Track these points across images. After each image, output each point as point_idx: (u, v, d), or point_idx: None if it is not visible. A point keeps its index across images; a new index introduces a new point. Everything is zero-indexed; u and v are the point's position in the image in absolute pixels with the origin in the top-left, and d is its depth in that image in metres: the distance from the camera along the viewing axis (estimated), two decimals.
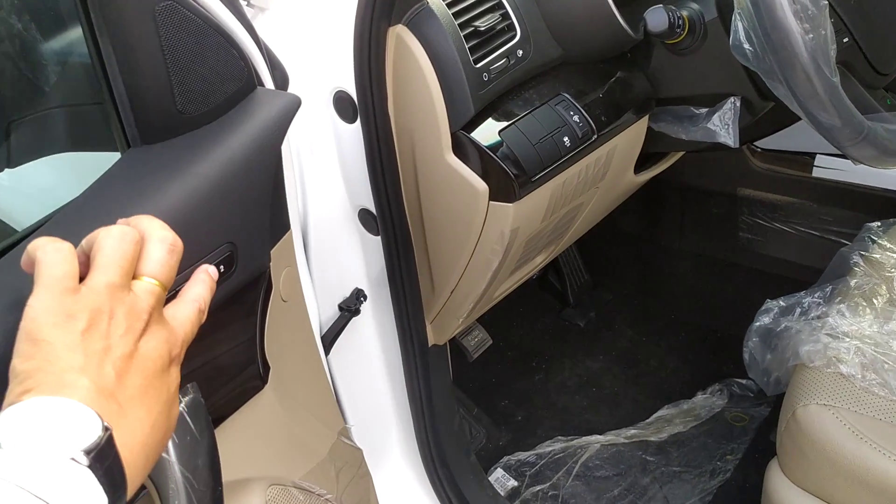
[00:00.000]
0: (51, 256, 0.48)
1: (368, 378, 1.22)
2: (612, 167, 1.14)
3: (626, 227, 1.96)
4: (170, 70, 0.61)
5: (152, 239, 0.52)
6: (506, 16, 0.99)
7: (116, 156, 0.64)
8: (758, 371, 1.23)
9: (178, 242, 0.53)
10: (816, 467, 1.03)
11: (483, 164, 0.96)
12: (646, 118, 1.14)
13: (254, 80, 0.69)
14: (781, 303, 1.25)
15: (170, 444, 0.55)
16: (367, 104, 0.95)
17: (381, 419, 1.27)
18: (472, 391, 1.75)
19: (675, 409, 1.66)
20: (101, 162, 0.64)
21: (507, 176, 0.95)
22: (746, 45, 0.89)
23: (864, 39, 0.97)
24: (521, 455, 1.60)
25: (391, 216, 1.04)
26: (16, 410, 0.43)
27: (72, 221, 0.58)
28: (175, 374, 0.52)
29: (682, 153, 1.42)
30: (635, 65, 1.12)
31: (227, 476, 0.69)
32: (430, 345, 1.23)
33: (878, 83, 1.00)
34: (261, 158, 0.66)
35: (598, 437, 1.62)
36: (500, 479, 1.55)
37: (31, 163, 0.71)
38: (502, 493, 1.52)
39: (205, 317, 0.56)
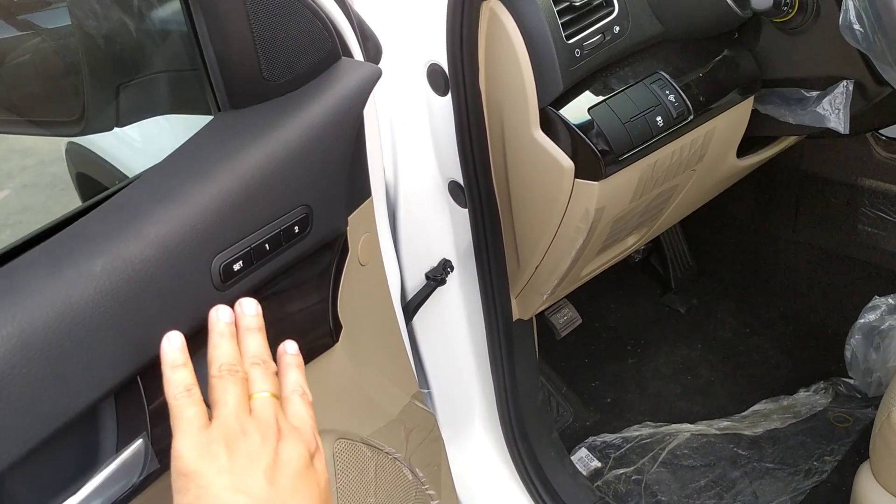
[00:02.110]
0: (181, 401, 0.54)
1: (452, 348, 1.25)
2: (711, 150, 1.10)
3: (737, 214, 1.89)
4: (256, 39, 0.64)
5: (246, 361, 0.58)
6: None
7: (210, 119, 0.69)
8: (858, 370, 1.17)
9: (270, 361, 0.59)
10: None
11: (570, 141, 0.95)
12: (750, 100, 1.10)
13: (338, 51, 0.72)
14: (891, 300, 1.18)
15: None
16: (458, 77, 0.97)
17: (464, 389, 1.30)
18: (564, 370, 1.74)
19: (773, 405, 1.60)
20: (196, 124, 0.69)
21: (594, 154, 0.94)
22: (856, 26, 0.85)
23: None
24: (608, 437, 1.59)
25: (479, 189, 1.05)
26: None
27: (161, 177, 0.63)
28: (321, 467, 0.58)
29: (793, 139, 1.35)
30: (742, 44, 1.08)
31: None
32: (514, 319, 1.24)
33: None
34: (339, 126, 0.69)
35: (689, 425, 1.59)
36: (584, 459, 1.55)
37: (137, 123, 0.77)
38: (584, 473, 1.52)
39: (310, 397, 0.60)
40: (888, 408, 1.01)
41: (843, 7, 0.85)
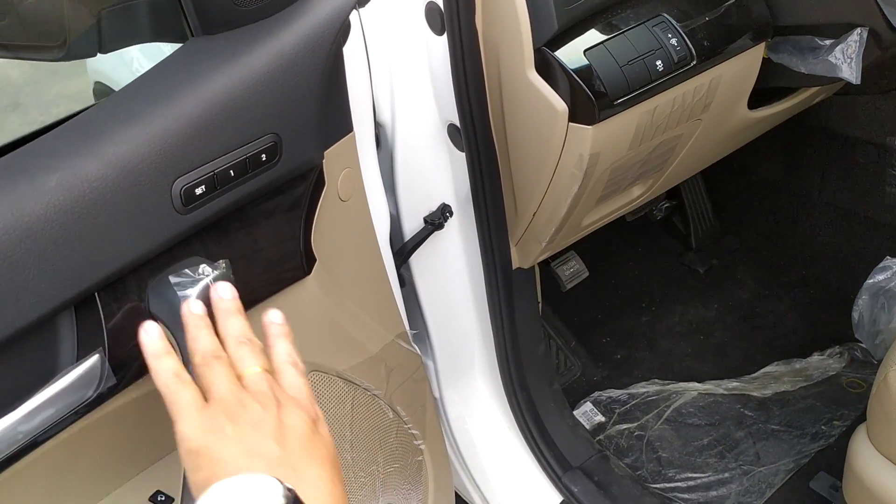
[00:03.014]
0: (173, 387, 0.55)
1: (452, 293, 1.25)
2: (718, 99, 1.07)
3: (762, 173, 1.85)
4: None
5: (231, 344, 0.58)
6: None
7: None
8: (864, 331, 1.14)
9: (255, 339, 0.59)
10: None
11: (564, 84, 0.93)
12: (760, 47, 1.06)
13: None
14: None
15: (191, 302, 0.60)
16: (454, 16, 0.95)
17: (464, 335, 1.30)
18: (575, 324, 1.74)
19: (785, 367, 1.58)
20: (171, 50, 0.69)
21: (588, 97, 0.92)
22: None
23: None
24: (614, 392, 1.59)
25: (475, 133, 1.04)
26: (211, 494, 0.48)
27: (125, 99, 0.63)
28: (325, 433, 0.58)
29: (811, 93, 1.31)
30: None
31: None
32: (514, 267, 1.23)
33: None
34: (311, 55, 0.69)
35: (697, 384, 1.58)
36: (588, 413, 1.55)
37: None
38: (588, 427, 1.53)
39: (302, 366, 0.60)
40: (886, 369, 0.98)
41: None
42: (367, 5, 0.97)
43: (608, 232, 1.87)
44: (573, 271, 1.60)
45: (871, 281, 1.13)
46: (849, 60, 0.99)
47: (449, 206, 1.16)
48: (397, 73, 1.05)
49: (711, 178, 1.90)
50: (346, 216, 0.83)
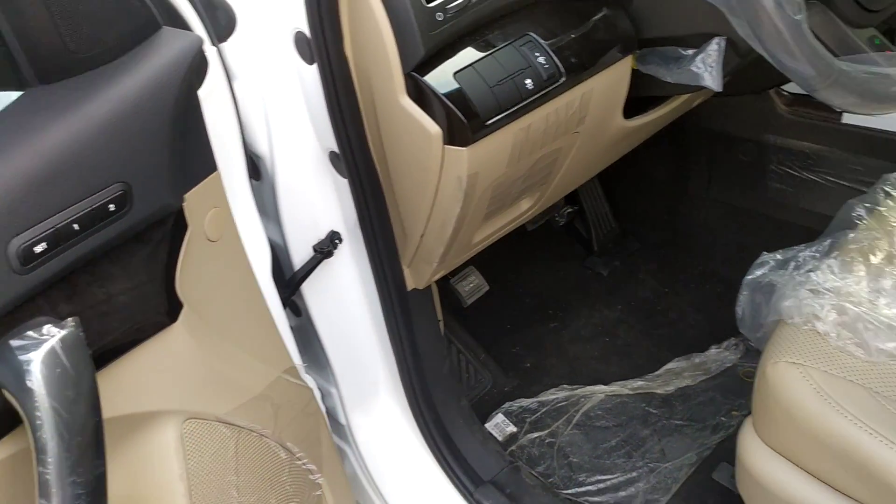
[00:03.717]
0: None
1: (350, 320, 1.24)
2: (593, 111, 1.09)
3: (656, 174, 1.90)
4: (52, 10, 0.62)
5: None
6: None
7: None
8: (747, 326, 1.18)
9: None
10: (783, 427, 0.99)
11: (436, 108, 0.94)
12: (628, 60, 1.09)
13: (156, 20, 0.69)
14: (778, 256, 1.19)
15: (38, 374, 0.58)
16: (321, 45, 0.95)
17: (366, 360, 1.29)
18: (484, 337, 1.75)
19: (685, 363, 1.62)
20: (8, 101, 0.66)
21: (459, 120, 0.93)
22: None
23: None
24: (524, 402, 1.60)
25: (355, 159, 1.04)
26: None
27: None
28: None
29: (689, 97, 1.35)
30: (617, 3, 1.07)
31: (133, 409, 0.73)
32: (409, 289, 1.23)
33: (866, 21, 0.92)
34: (157, 99, 0.67)
35: (603, 387, 1.60)
36: (500, 425, 1.56)
37: None
38: (500, 438, 1.54)
39: None
40: (765, 363, 1.02)
41: None
42: (233, 38, 0.95)
43: (511, 243, 1.89)
44: (473, 286, 1.62)
45: (751, 277, 1.17)
46: (710, 69, 1.02)
47: (338, 233, 1.15)
48: (272, 104, 1.04)
49: (609, 182, 1.94)
50: (217, 256, 0.81)
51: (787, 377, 0.97)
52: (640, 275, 1.88)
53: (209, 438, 0.79)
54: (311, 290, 1.19)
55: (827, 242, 1.16)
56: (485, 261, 1.79)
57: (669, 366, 1.63)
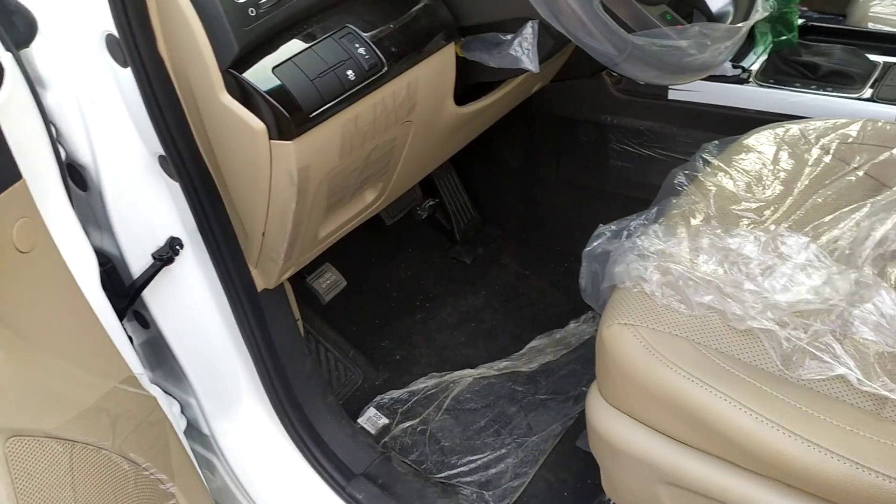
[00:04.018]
0: None
1: (202, 325, 1.22)
2: (421, 99, 1.12)
3: (509, 162, 1.96)
4: None
5: None
6: None
7: None
8: (589, 296, 1.24)
9: None
10: (619, 386, 1.04)
11: (258, 103, 0.94)
12: (451, 47, 1.12)
13: None
14: (613, 227, 1.25)
15: None
16: (132, 47, 0.93)
17: (224, 365, 1.28)
18: (353, 333, 1.75)
19: (547, 339, 1.68)
20: None
21: (282, 114, 0.93)
22: None
23: None
24: (395, 393, 1.62)
25: (183, 161, 1.02)
26: None
27: None
28: None
29: (526, 82, 1.40)
30: None
31: None
32: (260, 289, 1.22)
33: None
34: None
35: (471, 370, 1.64)
36: (372, 418, 1.57)
37: None
38: (373, 431, 1.55)
39: None
40: (601, 328, 1.07)
41: None
42: (37, 44, 0.92)
43: (372, 238, 1.91)
44: (330, 283, 1.62)
45: (588, 249, 1.23)
46: (527, 52, 1.07)
47: (178, 238, 1.13)
48: (90, 111, 1.01)
49: (465, 172, 1.99)
50: (30, 268, 0.79)
51: (620, 338, 1.03)
52: (501, 260, 1.94)
53: (38, 455, 0.77)
54: (156, 300, 1.16)
55: (654, 210, 1.24)
56: (345, 257, 1.80)
57: (532, 344, 1.68)
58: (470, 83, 1.25)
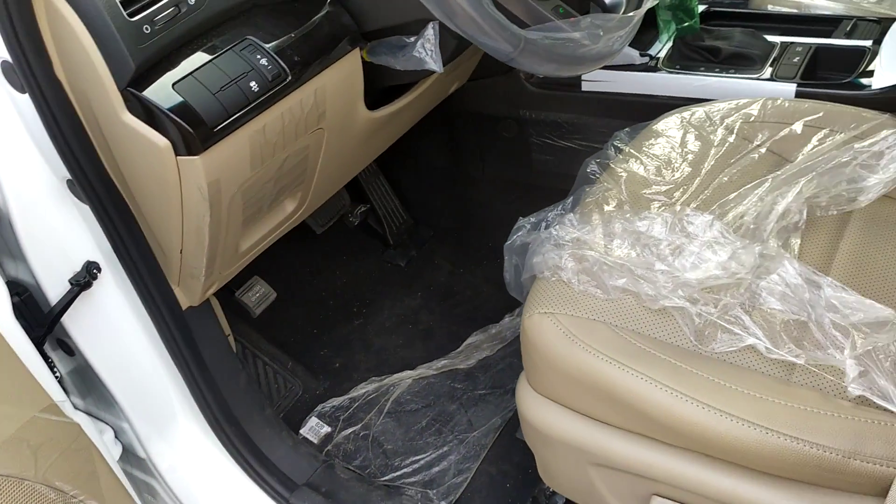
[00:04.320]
0: None
1: (128, 348, 1.21)
2: (331, 106, 1.13)
3: (435, 162, 1.98)
4: None
5: None
6: None
7: None
8: (513, 288, 1.26)
9: None
10: (544, 374, 1.07)
11: (160, 120, 0.94)
12: (356, 53, 1.13)
13: None
14: (532, 219, 1.27)
15: None
16: (27, 72, 0.92)
17: (155, 386, 1.26)
18: (292, 344, 1.75)
19: (483, 335, 1.70)
20: None
21: (185, 129, 0.93)
22: None
23: None
24: (336, 401, 1.62)
25: (91, 183, 1.01)
26: None
27: None
28: None
29: (440, 83, 1.42)
30: (337, 0, 1.11)
31: None
32: (185, 308, 1.22)
33: None
34: None
35: (410, 371, 1.65)
36: (314, 428, 1.57)
37: None
38: (315, 441, 1.54)
39: None
40: (523, 318, 1.09)
41: None
42: None
43: (303, 248, 1.91)
44: (259, 295, 1.61)
45: (509, 242, 1.25)
46: (430, 53, 1.09)
47: (95, 262, 1.12)
48: None
49: (393, 176, 2.00)
50: None
51: (541, 326, 1.05)
52: (435, 260, 1.95)
53: None
54: (78, 326, 1.15)
55: (570, 200, 1.26)
56: (277, 269, 1.79)
57: (469, 341, 1.70)
58: (381, 87, 1.26)
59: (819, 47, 1.47)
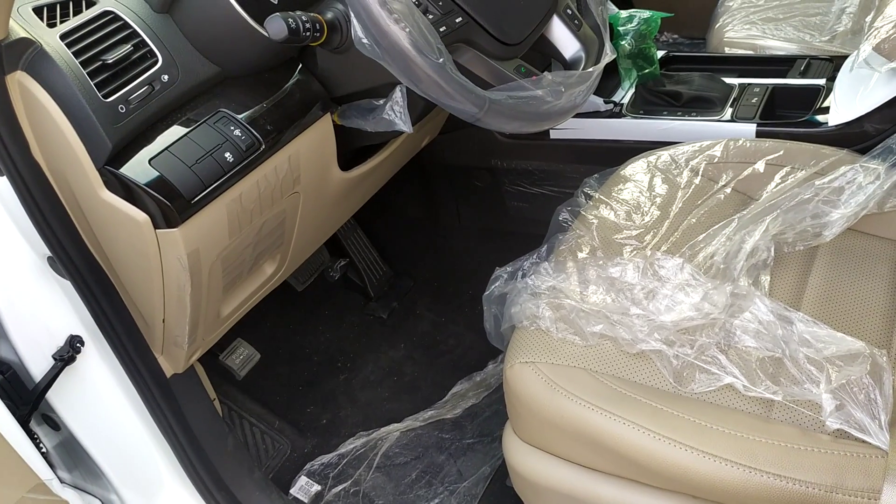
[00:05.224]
0: None
1: (115, 423, 1.21)
2: (305, 170, 1.15)
3: (412, 213, 2.01)
4: None
5: None
6: (141, 44, 0.99)
7: None
8: (494, 338, 1.28)
9: None
10: (529, 422, 1.08)
11: (138, 196, 0.96)
12: (327, 117, 1.16)
13: None
14: (508, 268, 1.30)
15: None
16: (4, 155, 0.93)
17: (142, 458, 1.26)
18: (278, 403, 1.75)
19: (468, 383, 1.71)
20: None
21: (163, 203, 0.95)
22: (365, 40, 0.92)
23: (481, 16, 1.01)
24: (325, 458, 1.61)
25: (71, 259, 1.03)
26: None
27: None
28: None
29: (409, 141, 1.45)
30: (305, 69, 1.14)
31: None
32: (169, 375, 1.22)
33: (511, 54, 1.05)
34: None
35: (397, 424, 1.65)
36: (304, 487, 1.56)
37: None
38: (306, 500, 1.54)
39: None
40: (504, 368, 1.11)
41: (352, 24, 0.92)
42: None
43: (285, 306, 1.92)
44: (243, 358, 1.62)
45: (487, 293, 1.27)
46: (399, 114, 1.11)
47: (78, 336, 1.12)
48: None
49: (371, 229, 2.02)
50: None
51: (523, 376, 1.07)
52: (417, 311, 1.96)
53: None
54: (63, 400, 1.15)
55: (544, 248, 1.29)
56: (260, 330, 1.80)
57: (455, 389, 1.70)
58: (354, 147, 1.29)
59: (776, 87, 1.52)
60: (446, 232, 1.95)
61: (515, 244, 1.83)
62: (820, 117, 1.42)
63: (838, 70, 1.50)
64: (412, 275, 2.05)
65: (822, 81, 1.51)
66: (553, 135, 1.63)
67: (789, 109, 1.49)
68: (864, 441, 0.90)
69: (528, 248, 1.73)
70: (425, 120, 1.43)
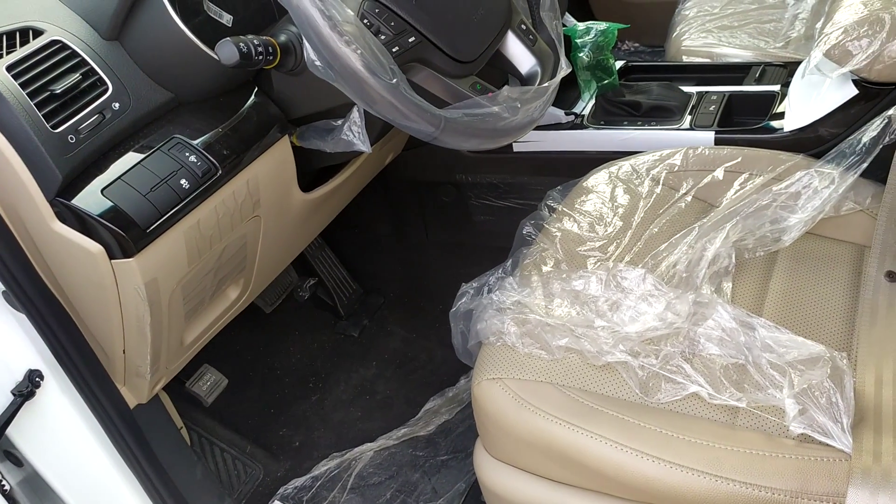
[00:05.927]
0: None
1: (78, 456, 1.19)
2: (265, 193, 1.14)
3: (380, 230, 2.00)
4: None
5: None
6: (90, 73, 0.98)
7: None
8: (463, 354, 1.27)
9: None
10: (497, 438, 1.07)
11: (92, 227, 0.94)
12: (285, 140, 1.15)
13: None
14: (475, 284, 1.30)
15: None
16: None
17: (109, 492, 1.24)
18: (250, 427, 1.73)
19: (440, 399, 1.70)
20: None
21: (118, 233, 0.94)
22: (318, 62, 0.92)
23: (434, 35, 1.01)
24: (298, 481, 1.60)
25: (25, 293, 1.01)
26: None
27: None
28: None
29: (372, 159, 1.45)
30: (261, 91, 1.13)
31: None
32: (133, 406, 1.20)
33: (466, 71, 1.05)
34: None
35: (370, 444, 1.64)
36: None
37: None
38: None
39: None
40: (472, 385, 1.10)
41: (304, 47, 0.92)
42: None
43: (254, 329, 1.90)
44: (211, 384, 1.60)
45: (454, 309, 1.27)
46: (358, 134, 1.11)
47: (37, 370, 1.10)
48: None
49: (339, 247, 2.01)
50: None
51: (490, 392, 1.06)
52: (388, 328, 1.95)
53: None
54: (24, 436, 1.13)
55: (509, 263, 1.29)
56: (228, 354, 1.78)
57: (427, 406, 1.70)
58: (314, 168, 1.28)
59: (732, 94, 1.54)
60: (415, 247, 1.94)
61: (484, 258, 1.83)
62: (776, 123, 1.44)
63: (792, 75, 1.52)
64: (382, 292, 2.04)
65: (776, 87, 1.53)
66: (516, 148, 1.63)
67: (746, 116, 1.51)
68: (827, 445, 0.91)
69: (497, 262, 1.73)
70: (388, 137, 1.43)
